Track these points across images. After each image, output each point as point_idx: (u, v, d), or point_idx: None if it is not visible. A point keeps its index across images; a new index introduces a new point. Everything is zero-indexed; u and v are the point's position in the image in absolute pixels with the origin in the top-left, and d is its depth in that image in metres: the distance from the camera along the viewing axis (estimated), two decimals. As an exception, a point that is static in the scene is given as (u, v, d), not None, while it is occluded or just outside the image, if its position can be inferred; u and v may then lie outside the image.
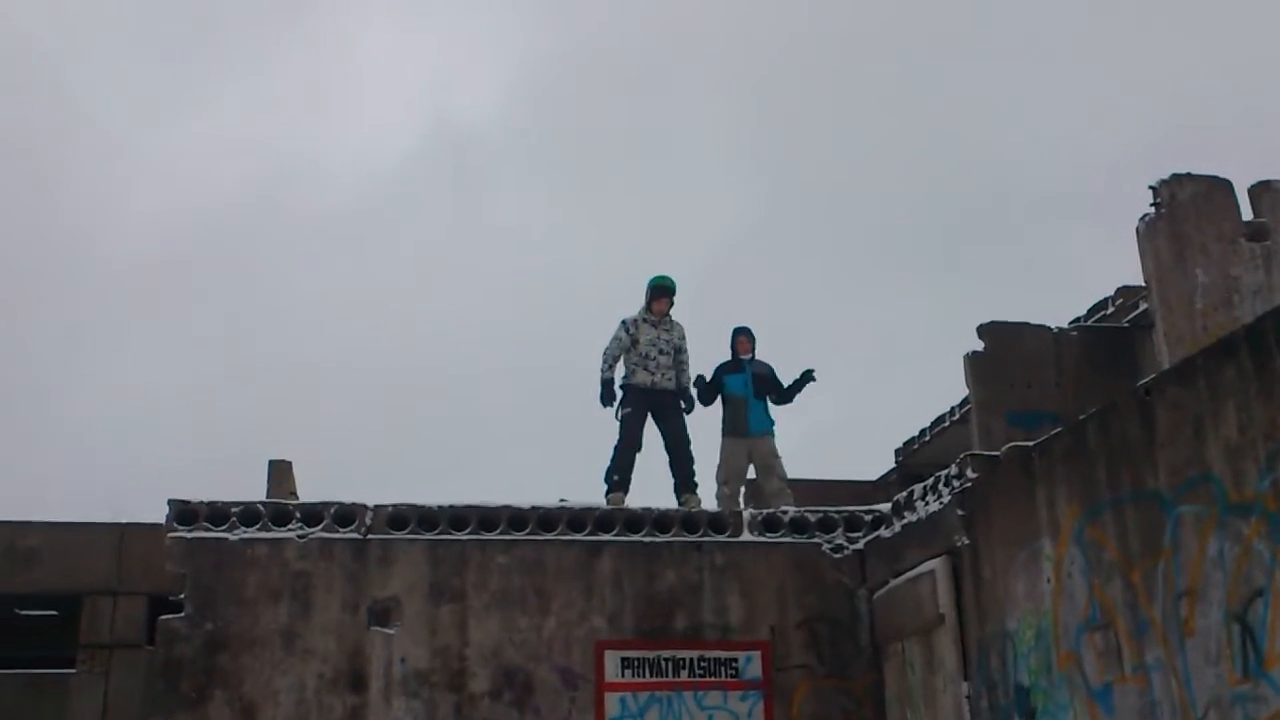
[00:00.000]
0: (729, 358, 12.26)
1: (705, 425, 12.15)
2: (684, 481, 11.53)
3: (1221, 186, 11.06)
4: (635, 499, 11.12)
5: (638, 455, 11.59)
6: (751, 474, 12.26)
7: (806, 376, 12.28)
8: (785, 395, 12.23)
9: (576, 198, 52.57)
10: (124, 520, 14.93)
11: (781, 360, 12.49)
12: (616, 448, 11.56)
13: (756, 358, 12.27)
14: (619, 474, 11.43)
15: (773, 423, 12.11)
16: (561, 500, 10.30)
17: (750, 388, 12.02)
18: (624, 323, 11.82)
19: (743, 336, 12.31)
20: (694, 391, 11.97)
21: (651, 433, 11.74)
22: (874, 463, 16.59)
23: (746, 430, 11.93)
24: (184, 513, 9.78)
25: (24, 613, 15.57)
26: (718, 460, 11.97)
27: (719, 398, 12.06)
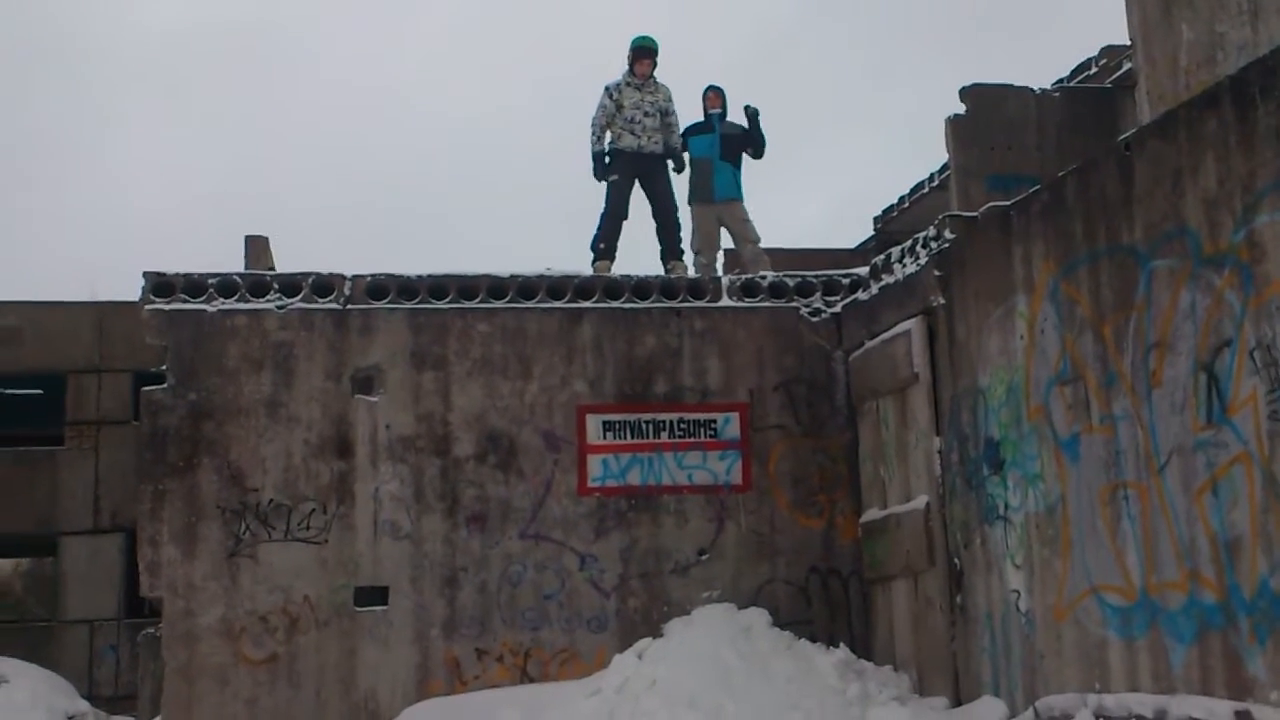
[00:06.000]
0: (700, 119, 11.88)
1: (679, 194, 11.95)
2: (671, 249, 11.48)
3: (1212, -62, 10.72)
4: (622, 268, 11.09)
5: (624, 224, 11.51)
6: (729, 243, 12.18)
7: (751, 113, 11.84)
8: (754, 142, 11.78)
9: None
10: (103, 299, 14.97)
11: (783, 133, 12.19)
12: (603, 215, 11.46)
13: (728, 119, 11.85)
14: (605, 242, 11.36)
15: (740, 189, 11.78)
16: (546, 269, 10.29)
17: (716, 149, 11.61)
18: (607, 88, 11.57)
19: (712, 92, 11.82)
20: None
21: (640, 201, 11.64)
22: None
23: (712, 196, 11.60)
24: (160, 285, 9.74)
25: (8, 391, 15.74)
26: (690, 230, 11.84)
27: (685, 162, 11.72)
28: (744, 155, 11.80)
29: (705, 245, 11.75)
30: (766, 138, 11.84)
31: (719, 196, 11.62)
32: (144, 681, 9.64)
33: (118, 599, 14.21)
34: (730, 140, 11.70)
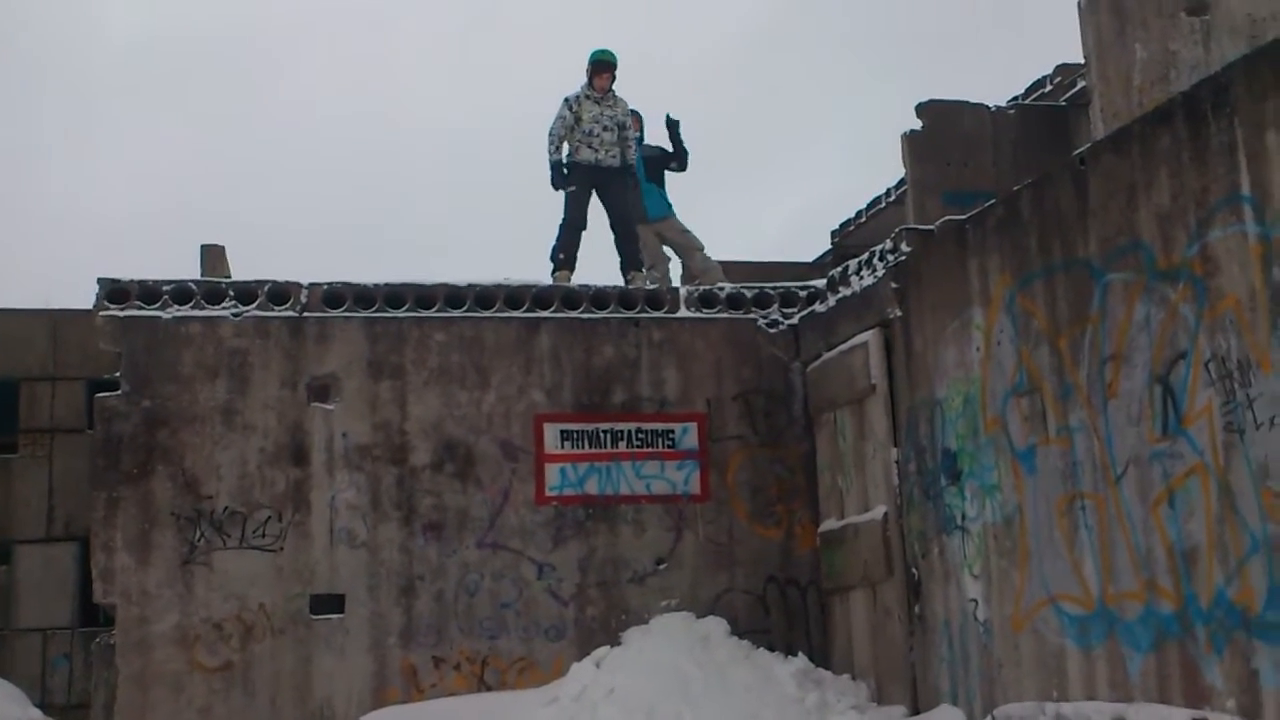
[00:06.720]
0: None
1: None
2: (630, 260, 11.53)
3: (1164, -41, 10.88)
4: (582, 279, 11.11)
5: (583, 234, 11.56)
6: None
7: (672, 124, 12.25)
8: (678, 156, 12.20)
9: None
10: (57, 306, 14.76)
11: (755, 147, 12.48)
12: (561, 226, 11.51)
13: (647, 141, 12.23)
14: (564, 253, 11.39)
15: (670, 206, 12.16)
16: (505, 278, 10.28)
17: (641, 171, 11.97)
18: (566, 100, 11.61)
19: (632, 116, 12.12)
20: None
21: (599, 212, 11.69)
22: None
23: (645, 217, 11.97)
24: (115, 291, 9.65)
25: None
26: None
27: None
28: (668, 172, 12.25)
29: (656, 260, 12.08)
30: (689, 149, 12.29)
31: (652, 216, 12.06)
32: (97, 690, 9.50)
33: (71, 608, 13.98)
34: (652, 161, 12.16)
